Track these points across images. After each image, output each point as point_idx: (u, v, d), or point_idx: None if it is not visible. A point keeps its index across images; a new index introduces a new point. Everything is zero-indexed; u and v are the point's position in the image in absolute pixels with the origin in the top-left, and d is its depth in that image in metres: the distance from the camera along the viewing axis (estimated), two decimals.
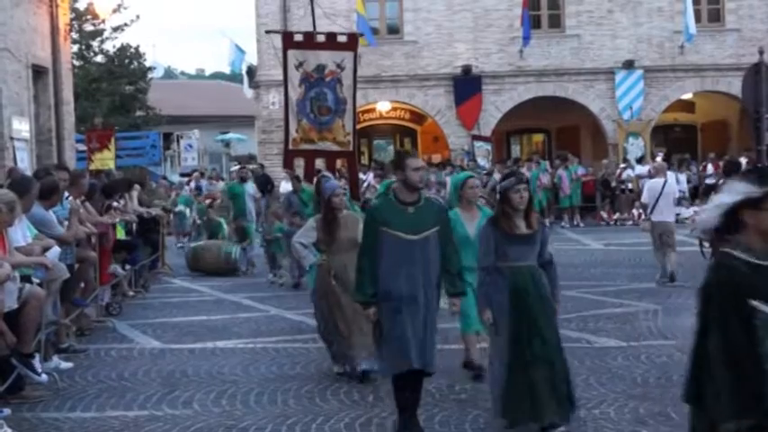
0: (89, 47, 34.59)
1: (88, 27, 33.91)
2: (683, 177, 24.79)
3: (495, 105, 28.02)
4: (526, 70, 27.91)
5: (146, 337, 10.61)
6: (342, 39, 12.01)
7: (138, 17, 50.12)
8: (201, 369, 8.79)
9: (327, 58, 11.70)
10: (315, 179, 12.58)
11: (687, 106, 30.43)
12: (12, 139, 16.21)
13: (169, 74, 57.94)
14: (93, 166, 19.78)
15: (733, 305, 3.62)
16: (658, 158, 21.79)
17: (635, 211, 24.15)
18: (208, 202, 21.43)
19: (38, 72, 18.01)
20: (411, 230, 6.32)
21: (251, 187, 17.52)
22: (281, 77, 12.28)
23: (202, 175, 28.74)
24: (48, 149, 18.14)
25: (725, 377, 3.55)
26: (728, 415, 3.52)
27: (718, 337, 3.57)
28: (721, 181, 12.86)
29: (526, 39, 26.75)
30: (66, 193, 10.37)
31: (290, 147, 11.98)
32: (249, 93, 30.39)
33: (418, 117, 30.38)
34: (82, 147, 21.25)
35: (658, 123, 29.05)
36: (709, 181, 23.39)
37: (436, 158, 28.17)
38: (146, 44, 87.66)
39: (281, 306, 12.61)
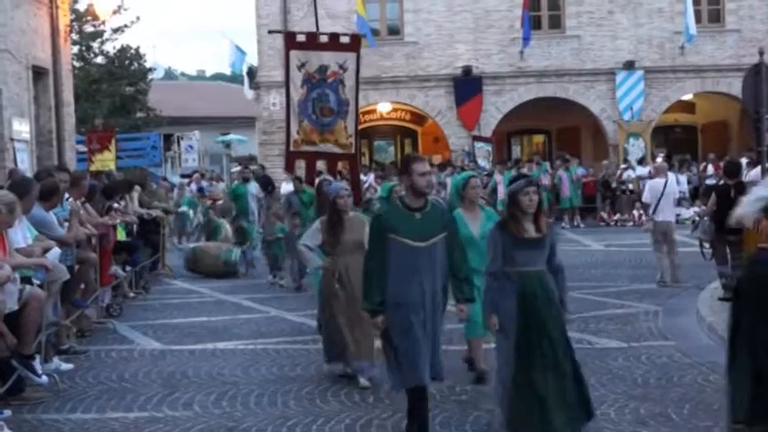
0: (89, 48, 34.54)
1: (88, 28, 33.87)
2: (683, 178, 24.78)
3: (496, 106, 28.02)
4: (527, 71, 27.92)
5: (146, 338, 10.61)
6: (345, 39, 11.97)
7: (138, 18, 50.19)
8: (202, 370, 8.79)
9: (330, 58, 11.67)
10: (316, 181, 12.61)
11: (687, 107, 30.44)
12: (12, 140, 16.21)
13: (169, 75, 57.95)
14: (93, 168, 19.78)
15: (765, 301, 3.60)
16: (659, 159, 21.79)
17: (635, 212, 24.18)
18: (209, 203, 21.43)
19: (38, 73, 18.02)
20: (418, 237, 6.23)
21: (254, 188, 17.50)
22: (281, 78, 12.29)
23: (203, 176, 28.75)
24: (48, 151, 18.15)
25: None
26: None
27: (747, 332, 3.55)
28: (722, 181, 12.85)
29: (526, 40, 26.76)
30: (67, 195, 10.38)
31: (292, 148, 11.95)
32: (250, 94, 30.38)
33: (419, 118, 30.39)
34: (82, 148, 21.25)
35: (659, 124, 29.06)
36: (709, 182, 23.36)
37: (437, 159, 28.14)
38: (146, 45, 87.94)
39: (282, 307, 12.61)
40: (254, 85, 28.75)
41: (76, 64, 30.21)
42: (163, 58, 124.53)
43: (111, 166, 20.52)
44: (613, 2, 27.85)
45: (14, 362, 7.38)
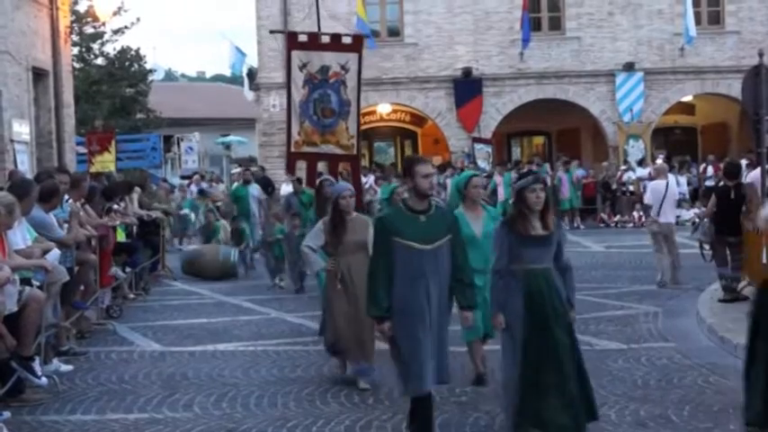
0: (89, 49, 34.52)
1: (88, 30, 33.84)
2: (683, 179, 24.78)
3: (496, 108, 28.03)
4: (526, 73, 27.93)
5: (146, 339, 10.60)
6: (347, 40, 11.96)
7: (138, 20, 50.00)
8: (202, 372, 8.78)
9: (331, 59, 11.64)
10: (317, 182, 12.59)
11: (687, 108, 30.46)
12: (12, 141, 16.21)
13: (170, 76, 57.85)
14: (93, 169, 19.77)
15: None
16: (659, 161, 21.79)
17: (635, 214, 24.18)
18: (210, 203, 21.43)
19: (38, 75, 18.03)
20: (423, 240, 6.16)
21: (255, 189, 17.47)
22: (281, 80, 12.30)
23: (203, 177, 28.76)
24: (48, 152, 18.15)
25: None
26: None
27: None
28: (722, 183, 12.85)
29: (526, 41, 26.78)
30: (67, 196, 10.37)
31: (293, 149, 11.93)
32: (250, 95, 30.39)
33: (418, 119, 30.39)
34: (82, 149, 21.25)
35: (658, 125, 29.06)
36: (708, 183, 23.36)
37: (437, 161, 28.10)
38: (146, 46, 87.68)
39: (282, 309, 12.60)
40: (254, 87, 28.75)
41: (76, 65, 30.19)
42: (163, 59, 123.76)
43: (111, 167, 20.52)
44: (613, 3, 27.88)
45: (14, 363, 7.39)
